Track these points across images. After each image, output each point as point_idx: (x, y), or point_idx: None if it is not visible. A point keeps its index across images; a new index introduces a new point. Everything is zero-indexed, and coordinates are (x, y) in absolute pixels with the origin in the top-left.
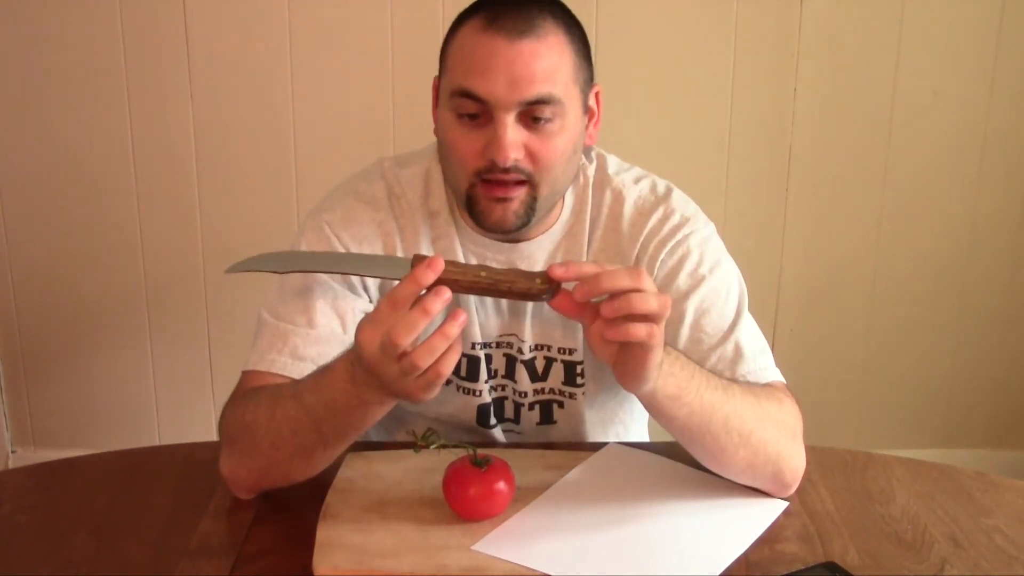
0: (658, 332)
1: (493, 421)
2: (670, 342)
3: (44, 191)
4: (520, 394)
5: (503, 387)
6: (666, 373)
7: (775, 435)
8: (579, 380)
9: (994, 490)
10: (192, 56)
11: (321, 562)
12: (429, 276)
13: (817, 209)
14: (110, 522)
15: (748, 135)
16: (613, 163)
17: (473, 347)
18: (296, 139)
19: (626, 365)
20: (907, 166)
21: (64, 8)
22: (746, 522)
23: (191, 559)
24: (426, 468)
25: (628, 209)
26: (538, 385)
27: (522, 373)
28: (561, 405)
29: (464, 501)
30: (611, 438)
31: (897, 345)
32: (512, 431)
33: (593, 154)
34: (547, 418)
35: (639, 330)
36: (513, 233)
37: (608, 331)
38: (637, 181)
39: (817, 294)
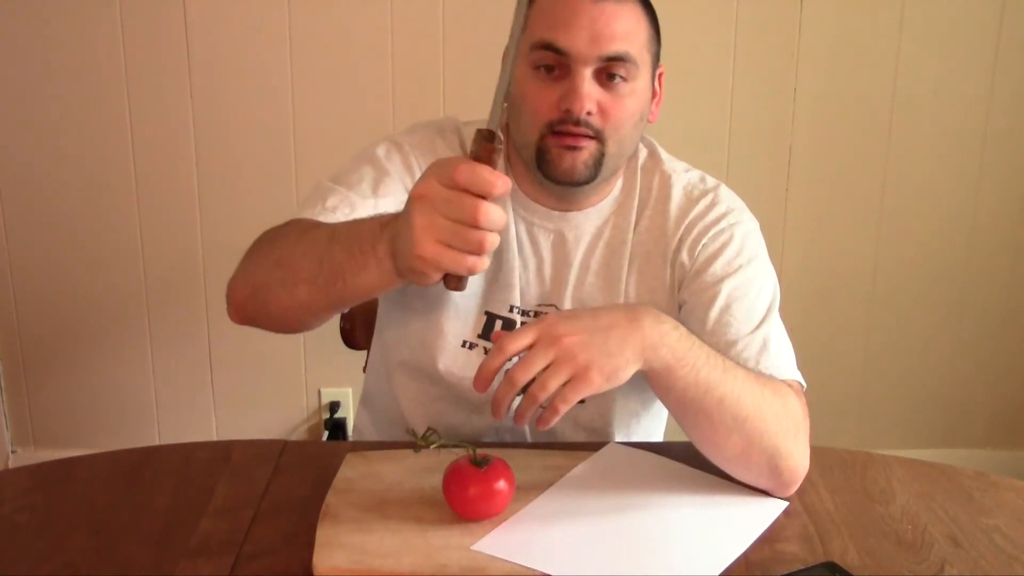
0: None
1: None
2: (699, 322)
3: (44, 191)
4: None
5: None
6: (660, 344)
7: (773, 427)
8: None
9: (994, 490)
10: (192, 56)
11: (321, 562)
12: (498, 189)
13: (817, 209)
14: (110, 522)
15: (748, 135)
16: (664, 152)
17: (511, 310)
18: (296, 139)
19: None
20: (907, 166)
21: (64, 9)
22: (746, 522)
23: (191, 559)
24: (426, 468)
25: (677, 193)
26: None
27: None
28: None
29: (464, 501)
30: (630, 424)
31: (897, 345)
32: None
33: (647, 140)
34: None
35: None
36: (580, 186)
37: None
38: (687, 171)
39: (817, 294)
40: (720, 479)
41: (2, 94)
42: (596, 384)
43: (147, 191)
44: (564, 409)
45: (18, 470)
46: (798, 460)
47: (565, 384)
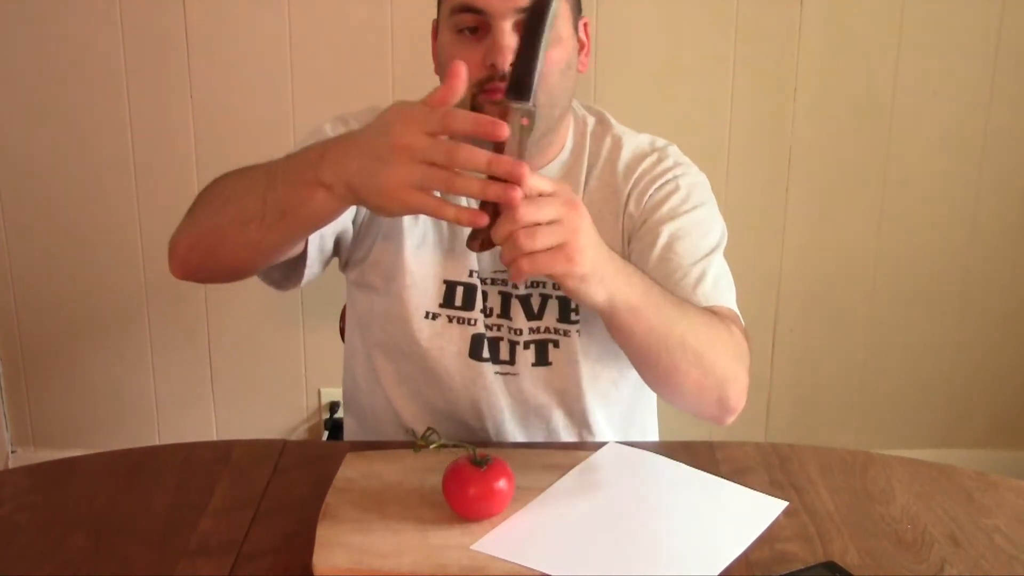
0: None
1: (486, 355)
2: (643, 262)
3: (44, 191)
4: (515, 332)
5: (498, 327)
6: (625, 284)
7: (725, 356)
8: (573, 316)
9: (994, 490)
10: (192, 56)
11: (321, 562)
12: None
13: (817, 209)
14: (110, 522)
15: (748, 135)
16: (615, 120)
17: (471, 275)
18: (296, 139)
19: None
20: (907, 166)
21: (64, 8)
22: (746, 522)
23: (191, 559)
24: (426, 468)
25: (626, 153)
26: (534, 323)
27: (518, 311)
28: (556, 345)
29: (464, 501)
30: (606, 391)
31: (897, 345)
32: (508, 373)
33: (596, 110)
34: (542, 359)
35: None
36: None
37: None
38: (638, 134)
39: (817, 294)
40: (720, 479)
41: (2, 94)
42: (576, 269)
43: (147, 191)
44: (527, 271)
45: (18, 470)
46: (743, 384)
47: (550, 249)
